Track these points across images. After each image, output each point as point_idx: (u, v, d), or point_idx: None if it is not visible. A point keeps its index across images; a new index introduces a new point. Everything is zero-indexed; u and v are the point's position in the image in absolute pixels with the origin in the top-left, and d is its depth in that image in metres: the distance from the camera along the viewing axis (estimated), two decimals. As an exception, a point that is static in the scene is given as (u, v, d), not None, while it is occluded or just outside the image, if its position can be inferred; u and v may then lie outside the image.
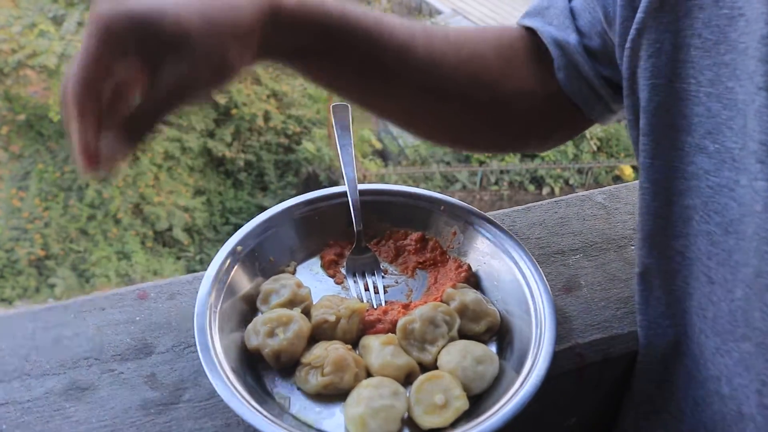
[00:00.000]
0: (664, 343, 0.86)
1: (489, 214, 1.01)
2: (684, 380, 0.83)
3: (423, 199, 1.00)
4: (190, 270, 10.90)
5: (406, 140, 12.29)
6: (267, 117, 12.15)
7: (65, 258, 10.80)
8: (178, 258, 11.38)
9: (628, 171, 11.74)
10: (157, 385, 0.82)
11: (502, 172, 11.53)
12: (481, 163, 11.41)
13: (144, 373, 0.83)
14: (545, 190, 11.63)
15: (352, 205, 0.97)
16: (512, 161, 11.37)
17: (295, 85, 12.39)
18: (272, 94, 12.38)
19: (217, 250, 0.89)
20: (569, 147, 11.49)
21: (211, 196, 11.98)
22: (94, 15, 0.60)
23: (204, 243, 11.58)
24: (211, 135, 12.09)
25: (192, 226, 11.54)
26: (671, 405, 0.87)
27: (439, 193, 1.01)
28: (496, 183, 11.63)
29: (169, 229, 11.38)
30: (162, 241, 11.60)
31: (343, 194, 0.99)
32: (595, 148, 11.69)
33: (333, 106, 1.05)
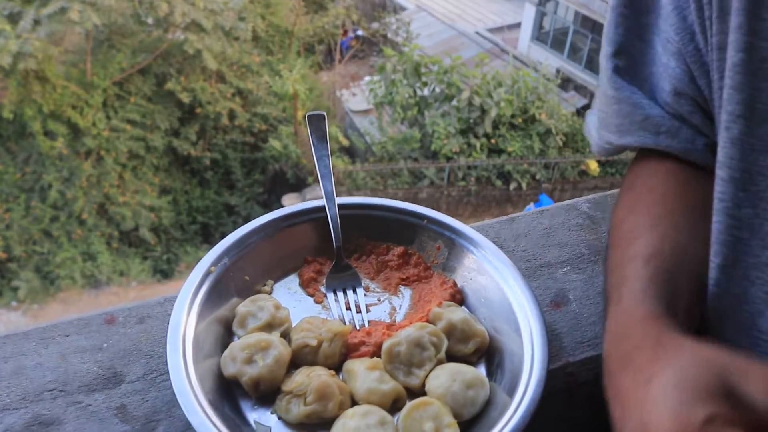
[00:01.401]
0: None
1: (473, 226, 0.98)
2: None
3: (405, 213, 0.96)
4: (157, 270, 10.76)
5: (373, 137, 12.26)
6: (232, 115, 12.04)
7: (28, 260, 10.59)
8: (145, 258, 11.24)
9: (593, 166, 11.83)
10: (127, 418, 0.77)
11: (469, 167, 11.55)
12: (449, 159, 11.41)
13: (113, 405, 0.78)
14: (512, 185, 11.68)
15: (331, 219, 0.93)
16: (479, 157, 11.38)
17: (260, 83, 12.30)
18: (237, 92, 12.27)
19: (186, 257, 0.84)
20: (536, 142, 11.56)
21: (177, 195, 11.84)
22: None
23: (171, 242, 11.44)
24: (176, 134, 11.93)
25: (158, 226, 11.40)
26: None
27: (421, 206, 0.96)
28: (463, 179, 11.65)
29: (135, 229, 11.23)
30: (128, 242, 11.44)
31: (322, 208, 0.94)
32: (561, 144, 11.77)
33: (308, 116, 1.00)
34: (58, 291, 10.47)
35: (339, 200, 0.95)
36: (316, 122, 0.99)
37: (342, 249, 0.93)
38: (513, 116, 11.62)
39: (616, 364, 0.59)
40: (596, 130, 0.88)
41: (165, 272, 10.82)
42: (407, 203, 0.97)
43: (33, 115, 10.38)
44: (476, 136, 11.54)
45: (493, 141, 11.61)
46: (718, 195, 0.64)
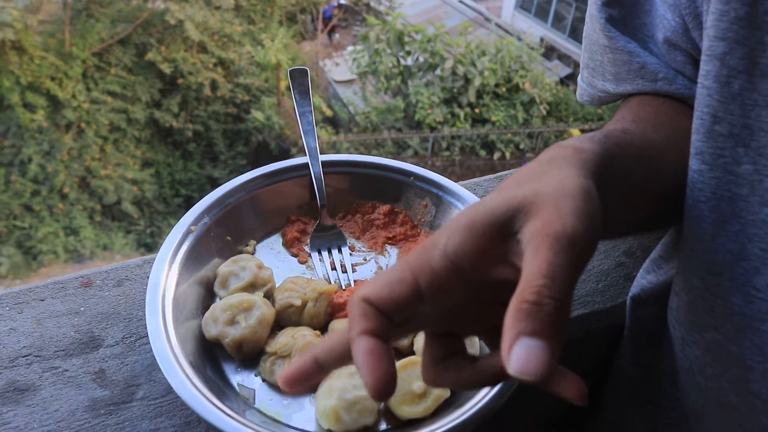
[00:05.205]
0: (649, 324, 0.82)
1: (461, 184, 0.95)
2: (667, 366, 0.79)
3: (391, 170, 0.93)
4: (141, 243, 10.70)
5: (356, 107, 12.18)
6: (214, 86, 11.91)
7: (10, 235, 10.50)
8: (128, 232, 11.16)
9: (577, 135, 11.82)
10: (106, 383, 0.74)
11: (453, 137, 11.52)
12: (433, 129, 11.37)
13: (91, 370, 0.75)
14: (496, 155, 11.66)
15: (315, 177, 0.90)
16: (463, 127, 11.35)
17: (242, 53, 12.16)
18: (219, 62, 12.13)
19: (169, 230, 0.81)
20: (519, 112, 11.53)
21: (160, 168, 11.73)
22: None
23: (154, 216, 11.36)
24: (158, 105, 11.80)
25: (141, 199, 11.31)
26: (655, 392, 0.83)
27: (408, 163, 0.94)
28: (447, 149, 11.62)
29: (118, 202, 11.13)
30: (111, 215, 11.35)
31: (305, 166, 0.91)
32: (544, 113, 11.75)
33: (290, 71, 0.97)
34: (40, 266, 10.39)
35: (323, 157, 0.92)
36: (299, 77, 0.96)
37: (326, 208, 0.91)
38: (497, 85, 11.57)
39: None
40: (585, 80, 0.86)
41: (149, 246, 10.74)
42: (393, 160, 0.94)
43: (10, 86, 10.21)
44: (460, 106, 11.49)
45: (476, 110, 11.57)
46: (716, 150, 0.61)
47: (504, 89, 11.63)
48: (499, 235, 0.45)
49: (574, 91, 0.80)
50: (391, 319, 0.46)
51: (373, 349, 0.44)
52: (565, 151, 0.54)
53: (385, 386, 0.44)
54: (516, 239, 0.45)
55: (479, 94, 11.52)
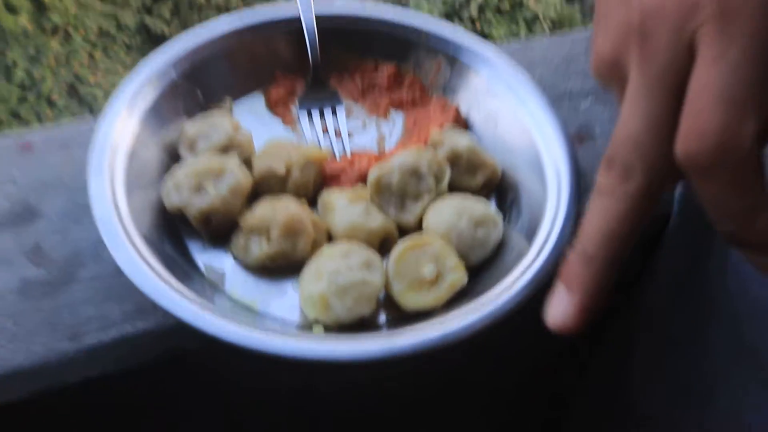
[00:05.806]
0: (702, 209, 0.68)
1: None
2: (716, 263, 0.66)
3: (399, 26, 0.77)
4: (130, 154, 10.51)
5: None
6: (208, -8, 11.53)
7: (-3, 142, 10.30)
8: (118, 142, 10.97)
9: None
10: (43, 261, 0.60)
11: (453, 54, 11.25)
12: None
13: (25, 245, 0.61)
14: (496, 73, 11.42)
15: (306, 27, 0.73)
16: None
17: (237, -42, 11.72)
18: (212, -33, 11.69)
19: (124, 77, 0.66)
20: (522, 28, 11.19)
21: (151, 77, 11.47)
22: None
23: (145, 126, 11.16)
24: (149, 11, 11.40)
25: (131, 109, 11.09)
26: (700, 290, 0.70)
27: (420, 16, 0.77)
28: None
29: (107, 111, 10.91)
30: (100, 125, 11.15)
31: (296, 16, 0.74)
32: (547, 31, 11.42)
33: None
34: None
35: (317, 7, 0.75)
36: None
37: (320, 64, 0.74)
38: (500, 0, 11.22)
39: None
40: None
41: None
42: (402, 10, 0.77)
43: (-8, -15, 9.84)
44: (461, 20, 11.15)
45: (477, 25, 11.24)
46: None
47: (508, 4, 11.27)
48: None
49: (579, 10, 0.66)
50: None
51: None
52: None
53: None
54: None
55: (481, 9, 11.15)
